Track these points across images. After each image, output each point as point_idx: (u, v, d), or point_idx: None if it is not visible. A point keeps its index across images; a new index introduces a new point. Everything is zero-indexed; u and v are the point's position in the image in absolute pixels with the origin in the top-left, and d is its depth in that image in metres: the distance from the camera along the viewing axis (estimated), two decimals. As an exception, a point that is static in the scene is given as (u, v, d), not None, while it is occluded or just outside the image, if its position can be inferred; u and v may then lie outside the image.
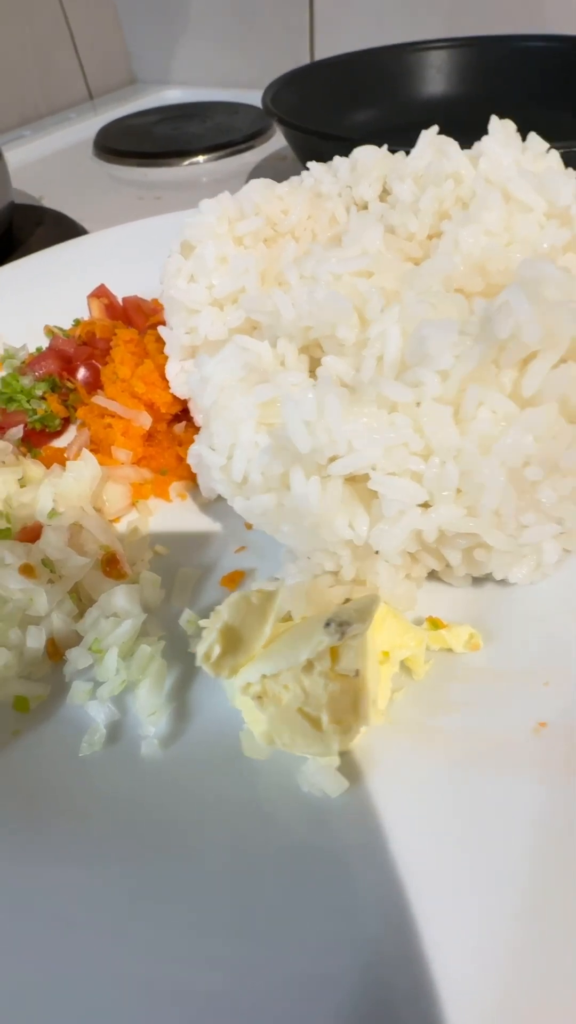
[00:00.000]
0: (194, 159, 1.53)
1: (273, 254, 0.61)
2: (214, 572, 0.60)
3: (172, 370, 0.65)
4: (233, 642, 0.42)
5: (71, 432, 0.75)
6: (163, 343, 0.74)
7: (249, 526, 0.63)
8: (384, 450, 0.44)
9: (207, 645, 0.42)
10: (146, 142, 1.57)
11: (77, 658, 0.52)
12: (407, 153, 0.63)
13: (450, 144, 0.60)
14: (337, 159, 0.66)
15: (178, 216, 1.08)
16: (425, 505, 0.47)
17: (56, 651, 0.54)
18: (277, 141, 1.60)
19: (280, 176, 1.47)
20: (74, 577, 0.54)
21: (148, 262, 0.93)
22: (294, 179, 0.68)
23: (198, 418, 0.66)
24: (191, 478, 0.68)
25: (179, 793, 0.45)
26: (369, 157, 0.63)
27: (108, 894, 0.40)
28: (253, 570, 0.60)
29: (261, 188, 0.64)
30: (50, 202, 1.39)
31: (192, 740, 0.48)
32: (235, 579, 0.59)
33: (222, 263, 0.59)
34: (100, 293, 0.87)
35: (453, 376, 0.43)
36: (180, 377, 0.64)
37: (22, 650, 0.53)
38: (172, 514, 0.66)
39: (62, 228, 1.23)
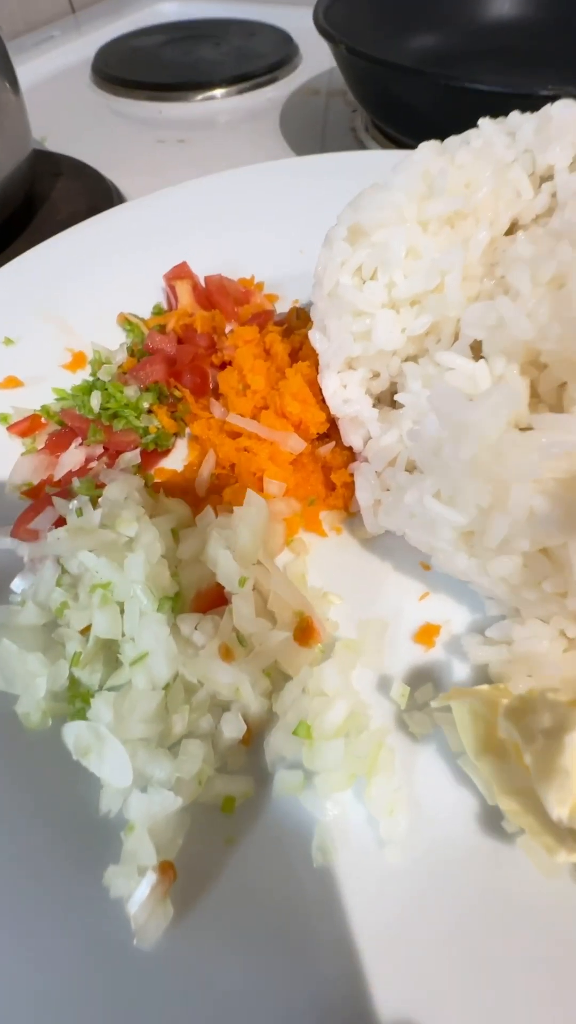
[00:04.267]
0: (211, 92, 1.34)
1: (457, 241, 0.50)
2: (400, 623, 0.52)
3: (331, 385, 0.54)
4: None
5: (180, 447, 0.64)
6: (287, 344, 0.63)
7: (427, 567, 0.55)
8: None
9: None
10: (155, 70, 1.37)
11: (281, 745, 0.44)
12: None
13: None
14: (516, 115, 0.54)
15: (237, 174, 0.92)
16: None
17: (248, 736, 0.46)
18: (304, 72, 1.41)
19: (314, 114, 1.32)
20: (271, 654, 0.45)
21: (207, 230, 0.81)
22: (453, 140, 0.56)
23: (349, 439, 0.56)
24: (341, 507, 0.59)
25: (436, 911, 0.39)
26: (569, 115, 0.51)
27: None
28: (448, 622, 0.52)
29: (434, 154, 0.52)
30: (55, 145, 1.19)
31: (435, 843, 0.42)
32: (430, 635, 0.51)
33: (413, 256, 0.48)
34: (183, 274, 0.73)
35: None
36: (340, 394, 0.54)
37: (215, 739, 0.45)
38: (330, 552, 0.57)
39: (85, 179, 1.06)
